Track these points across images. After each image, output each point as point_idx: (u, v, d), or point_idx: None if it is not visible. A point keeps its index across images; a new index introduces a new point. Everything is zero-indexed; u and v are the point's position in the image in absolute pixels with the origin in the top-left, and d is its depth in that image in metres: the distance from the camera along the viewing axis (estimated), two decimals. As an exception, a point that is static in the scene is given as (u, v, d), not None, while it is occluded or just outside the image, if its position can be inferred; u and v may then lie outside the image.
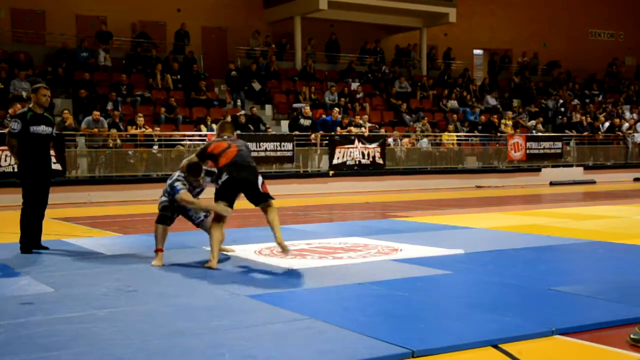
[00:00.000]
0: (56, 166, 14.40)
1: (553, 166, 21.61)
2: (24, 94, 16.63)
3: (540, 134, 22.31)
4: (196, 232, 8.67)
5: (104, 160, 15.86)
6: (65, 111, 16.18)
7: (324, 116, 19.23)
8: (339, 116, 19.10)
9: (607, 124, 23.94)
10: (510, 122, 21.86)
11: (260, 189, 6.10)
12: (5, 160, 13.92)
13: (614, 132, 23.70)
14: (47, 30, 21.25)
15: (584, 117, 24.06)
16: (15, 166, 7.60)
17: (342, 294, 5.01)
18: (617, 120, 24.29)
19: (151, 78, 19.73)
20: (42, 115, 7.32)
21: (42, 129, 7.26)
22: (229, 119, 17.33)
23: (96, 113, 16.01)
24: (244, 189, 6.11)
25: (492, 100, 24.15)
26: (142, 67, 20.28)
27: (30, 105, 7.35)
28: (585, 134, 23.23)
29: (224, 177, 6.01)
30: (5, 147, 7.63)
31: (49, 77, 18.43)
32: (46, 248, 7.37)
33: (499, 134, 21.27)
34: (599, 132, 23.48)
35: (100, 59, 20.01)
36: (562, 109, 24.42)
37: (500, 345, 3.72)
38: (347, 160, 18.12)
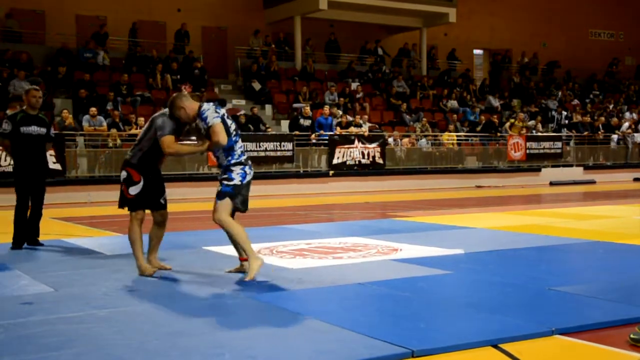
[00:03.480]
0: (56, 166, 14.41)
1: (553, 166, 21.61)
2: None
3: (540, 134, 22.30)
4: (196, 231, 8.69)
5: (104, 160, 15.86)
6: (65, 111, 16.18)
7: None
8: (333, 116, 18.95)
9: (626, 124, 23.79)
10: (520, 124, 21.65)
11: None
12: (5, 160, 13.93)
13: (613, 131, 23.69)
14: (47, 30, 21.24)
15: (585, 117, 24.04)
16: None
17: (342, 294, 5.00)
18: (614, 120, 24.26)
19: (151, 78, 19.74)
20: (34, 116, 7.44)
21: (33, 129, 7.37)
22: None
23: (93, 109, 16.03)
24: None
25: (494, 101, 24.15)
26: (142, 67, 20.28)
27: (24, 107, 7.48)
28: (585, 133, 23.23)
29: None
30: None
31: (46, 76, 18.41)
32: (41, 244, 7.48)
33: (498, 134, 21.27)
34: (599, 132, 23.47)
35: (99, 59, 20.01)
36: (560, 114, 24.38)
37: (500, 345, 3.72)
38: (347, 160, 18.11)
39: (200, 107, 5.49)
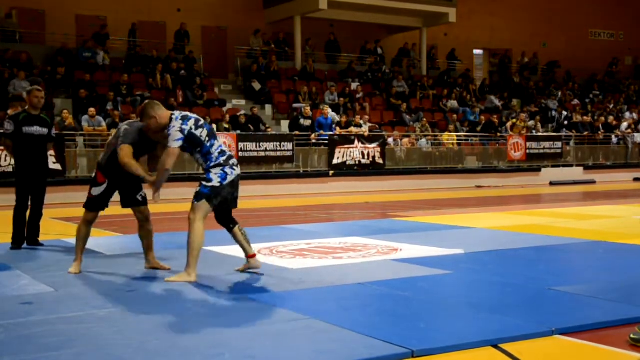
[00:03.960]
0: (56, 166, 14.40)
1: (553, 166, 21.60)
2: (24, 94, 16.62)
3: (539, 133, 22.30)
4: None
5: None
6: (65, 111, 16.18)
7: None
8: (329, 114, 18.89)
9: (624, 124, 23.84)
10: (521, 124, 21.63)
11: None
12: (5, 160, 13.93)
13: (613, 131, 23.68)
14: (47, 30, 21.24)
15: (585, 117, 24.03)
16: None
17: (342, 294, 5.00)
18: (610, 118, 24.21)
19: (151, 78, 19.73)
20: (36, 117, 7.45)
21: (36, 129, 7.38)
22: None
23: (92, 110, 16.04)
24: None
25: (496, 101, 24.16)
26: (142, 67, 20.27)
27: (26, 107, 7.49)
28: (585, 133, 23.22)
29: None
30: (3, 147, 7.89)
31: (46, 76, 18.41)
32: (41, 244, 7.51)
33: (498, 134, 21.26)
34: (599, 132, 23.45)
35: (99, 59, 20.00)
36: (560, 113, 24.39)
37: (500, 345, 3.72)
38: (347, 160, 18.11)
39: (170, 118, 5.44)
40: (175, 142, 5.36)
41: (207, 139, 5.45)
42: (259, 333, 3.95)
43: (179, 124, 5.38)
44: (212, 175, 5.41)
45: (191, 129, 5.40)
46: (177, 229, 8.84)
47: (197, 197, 5.43)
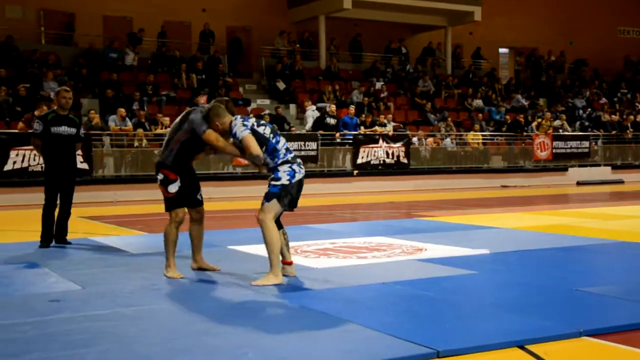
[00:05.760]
0: (83, 165, 14.56)
1: (580, 166, 21.35)
2: (52, 94, 16.83)
3: (566, 132, 22.05)
4: (221, 231, 8.72)
5: (130, 159, 16.02)
6: (92, 111, 16.35)
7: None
8: (355, 116, 18.83)
9: None
10: (547, 123, 21.36)
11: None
12: (34, 160, 14.11)
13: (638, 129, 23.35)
14: (76, 32, 21.47)
15: (614, 116, 23.69)
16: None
17: (366, 294, 4.99)
18: (630, 118, 23.81)
19: (176, 78, 19.85)
20: (64, 117, 7.56)
21: (64, 129, 7.49)
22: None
23: (121, 111, 16.18)
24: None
25: (522, 100, 23.96)
26: (168, 67, 20.41)
27: (55, 107, 7.60)
28: (614, 132, 22.91)
29: None
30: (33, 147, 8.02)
31: (74, 77, 18.60)
32: (69, 243, 7.61)
33: (524, 133, 21.07)
34: (627, 131, 23.11)
35: (128, 59, 20.15)
36: (585, 111, 24.12)
37: (526, 346, 3.68)
38: (371, 159, 18.07)
39: (230, 122, 5.41)
40: (244, 132, 5.28)
41: (271, 135, 5.37)
42: (283, 332, 3.96)
43: (240, 122, 5.35)
44: (280, 174, 5.29)
45: (253, 125, 5.36)
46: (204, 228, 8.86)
47: (267, 197, 5.31)
